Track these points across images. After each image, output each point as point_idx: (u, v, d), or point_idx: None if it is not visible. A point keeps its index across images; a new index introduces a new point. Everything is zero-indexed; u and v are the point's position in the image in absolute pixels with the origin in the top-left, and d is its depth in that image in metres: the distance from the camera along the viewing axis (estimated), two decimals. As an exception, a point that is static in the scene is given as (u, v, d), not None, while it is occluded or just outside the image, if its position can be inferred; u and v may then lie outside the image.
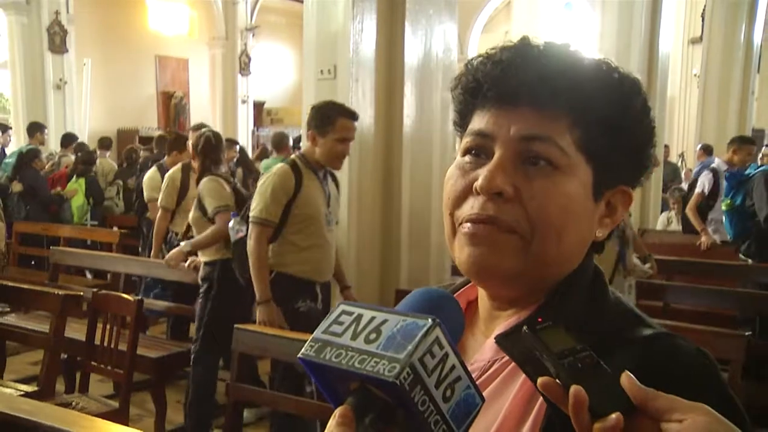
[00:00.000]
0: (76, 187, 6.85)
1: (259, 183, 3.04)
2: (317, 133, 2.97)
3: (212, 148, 3.71)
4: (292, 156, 3.15)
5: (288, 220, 2.95)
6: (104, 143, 8.68)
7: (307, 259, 2.99)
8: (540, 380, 0.52)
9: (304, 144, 3.17)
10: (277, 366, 3.13)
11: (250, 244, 2.93)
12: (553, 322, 0.56)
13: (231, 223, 3.19)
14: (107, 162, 8.22)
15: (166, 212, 4.37)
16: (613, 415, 0.49)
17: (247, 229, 3.01)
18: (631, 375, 0.51)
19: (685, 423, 0.49)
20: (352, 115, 3.04)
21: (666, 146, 8.83)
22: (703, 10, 10.32)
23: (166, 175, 4.43)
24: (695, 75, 11.89)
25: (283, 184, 2.93)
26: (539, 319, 0.56)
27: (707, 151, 8.33)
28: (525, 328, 0.55)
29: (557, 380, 0.52)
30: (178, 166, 4.42)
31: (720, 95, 9.03)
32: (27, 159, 6.66)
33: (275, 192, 2.92)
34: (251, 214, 2.96)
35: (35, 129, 7.71)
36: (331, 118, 2.97)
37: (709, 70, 9.17)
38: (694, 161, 9.49)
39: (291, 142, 6.71)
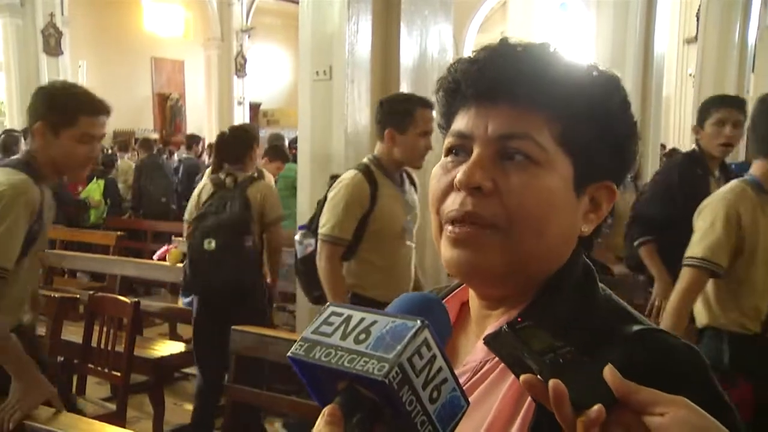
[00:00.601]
0: (96, 188, 6.98)
1: (330, 194, 2.72)
2: (396, 131, 2.65)
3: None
4: (364, 160, 2.77)
5: (363, 237, 2.65)
6: (123, 145, 8.74)
7: (386, 281, 2.68)
8: (522, 377, 0.53)
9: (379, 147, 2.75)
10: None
11: (321, 264, 2.64)
12: (532, 323, 0.57)
13: (298, 237, 2.89)
14: (126, 163, 8.34)
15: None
16: (595, 407, 0.50)
17: (316, 244, 2.71)
18: (614, 368, 0.52)
19: (667, 416, 0.50)
20: (431, 105, 2.68)
21: (662, 145, 8.85)
22: (698, 9, 10.36)
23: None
24: (690, 75, 11.93)
25: (358, 195, 2.62)
26: (519, 319, 0.57)
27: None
28: (504, 327, 0.56)
29: (540, 377, 0.53)
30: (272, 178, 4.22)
31: (715, 94, 9.05)
32: (104, 164, 7.16)
33: (348, 206, 2.61)
34: (321, 231, 2.66)
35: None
36: (410, 110, 2.65)
37: (704, 70, 9.19)
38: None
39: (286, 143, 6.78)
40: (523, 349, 0.54)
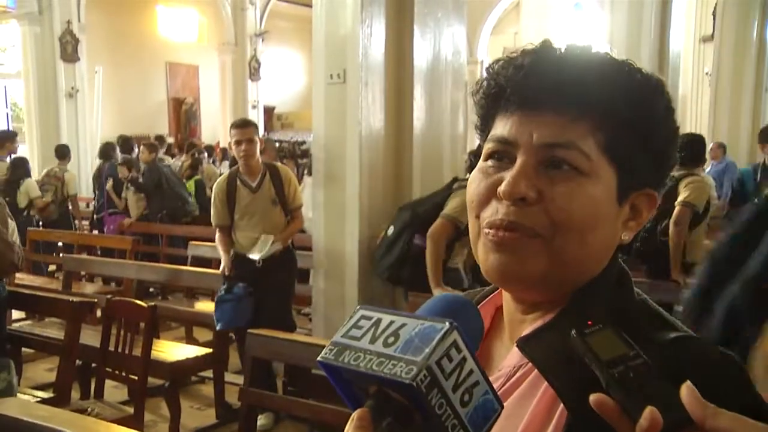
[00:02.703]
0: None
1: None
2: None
3: None
4: None
5: None
6: (208, 149, 9.06)
7: None
8: (593, 398, 0.50)
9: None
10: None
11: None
12: (602, 325, 0.54)
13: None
14: (210, 168, 8.70)
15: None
16: (646, 411, 0.47)
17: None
18: (693, 387, 0.49)
19: None
20: None
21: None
22: (714, 7, 10.26)
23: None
24: (707, 73, 11.80)
25: None
26: (589, 323, 0.54)
27: (723, 149, 8.22)
28: (573, 332, 0.53)
29: (608, 390, 0.50)
30: None
31: (732, 93, 8.96)
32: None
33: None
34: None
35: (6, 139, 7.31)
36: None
37: (721, 68, 9.11)
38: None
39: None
40: (591, 358, 0.51)
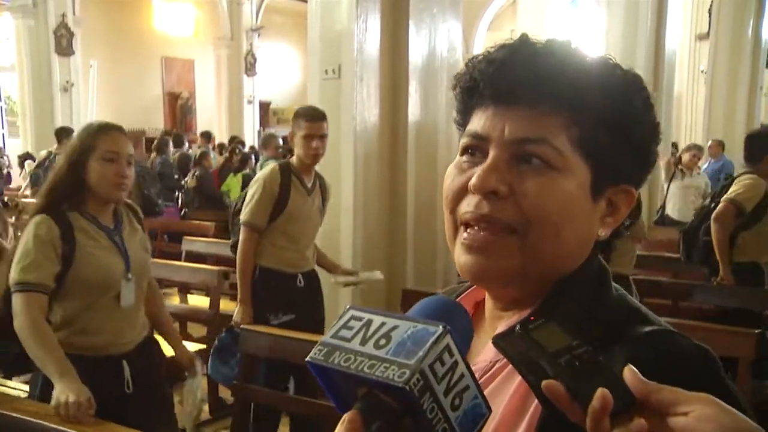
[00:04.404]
0: (235, 182, 7.46)
1: None
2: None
3: None
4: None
5: None
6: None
7: None
8: (545, 384, 0.51)
9: None
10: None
11: None
12: (545, 319, 0.54)
13: None
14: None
15: None
16: (636, 422, 0.47)
17: None
18: (634, 369, 0.50)
19: (692, 414, 0.47)
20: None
21: (673, 144, 8.78)
22: (710, 5, 10.28)
23: None
24: (702, 71, 11.82)
25: None
26: (531, 318, 0.55)
27: (722, 147, 8.20)
28: (517, 328, 0.54)
29: (556, 379, 0.51)
30: None
31: (728, 91, 8.99)
32: (199, 159, 7.90)
33: None
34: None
35: (63, 134, 7.63)
36: None
37: (716, 66, 9.13)
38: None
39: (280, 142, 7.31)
40: (536, 351, 0.52)
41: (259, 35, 14.93)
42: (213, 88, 14.89)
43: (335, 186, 3.77)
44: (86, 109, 11.05)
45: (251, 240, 2.99)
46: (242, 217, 3.00)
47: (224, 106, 14.61)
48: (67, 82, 10.63)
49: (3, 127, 12.59)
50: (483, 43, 15.51)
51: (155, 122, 13.92)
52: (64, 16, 10.62)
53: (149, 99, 14.22)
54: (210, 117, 14.81)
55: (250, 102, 14.82)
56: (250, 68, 14.77)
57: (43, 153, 8.00)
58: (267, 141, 7.23)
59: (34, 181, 7.40)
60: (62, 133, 7.31)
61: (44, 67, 10.48)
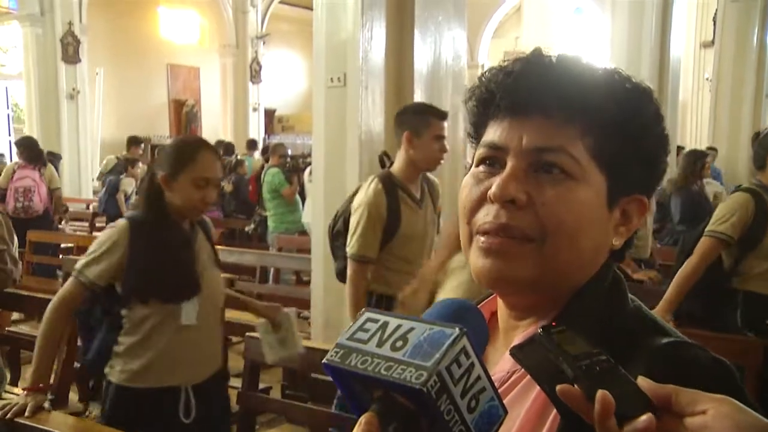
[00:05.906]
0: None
1: None
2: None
3: None
4: None
5: None
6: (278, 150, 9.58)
7: None
8: (559, 387, 0.51)
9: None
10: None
11: None
12: (567, 328, 0.55)
13: None
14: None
15: None
16: (644, 416, 0.48)
17: None
18: (648, 380, 0.51)
19: (709, 413, 0.48)
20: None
21: (680, 147, 8.76)
22: (715, 13, 10.27)
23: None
24: (707, 79, 11.81)
25: None
26: (553, 324, 0.55)
27: (713, 157, 8.13)
28: (540, 330, 0.54)
29: (575, 385, 0.51)
30: None
31: (732, 99, 8.96)
32: (235, 166, 8.41)
33: None
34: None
35: (132, 143, 8.77)
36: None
37: (721, 74, 9.10)
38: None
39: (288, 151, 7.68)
40: (558, 353, 0.52)
41: (264, 43, 14.99)
42: (218, 95, 14.94)
43: (340, 192, 3.77)
44: (92, 117, 11.10)
45: (362, 273, 2.60)
46: (349, 249, 2.61)
47: (229, 113, 14.66)
48: (74, 89, 10.67)
49: (10, 135, 12.65)
50: (488, 50, 15.53)
51: (160, 129, 13.97)
52: (70, 24, 10.68)
53: (155, 106, 14.28)
54: (215, 124, 14.86)
55: (255, 109, 14.86)
56: (256, 76, 14.82)
57: (112, 158, 8.68)
58: (275, 150, 7.27)
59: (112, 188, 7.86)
60: (133, 142, 8.42)
61: (51, 75, 10.53)
